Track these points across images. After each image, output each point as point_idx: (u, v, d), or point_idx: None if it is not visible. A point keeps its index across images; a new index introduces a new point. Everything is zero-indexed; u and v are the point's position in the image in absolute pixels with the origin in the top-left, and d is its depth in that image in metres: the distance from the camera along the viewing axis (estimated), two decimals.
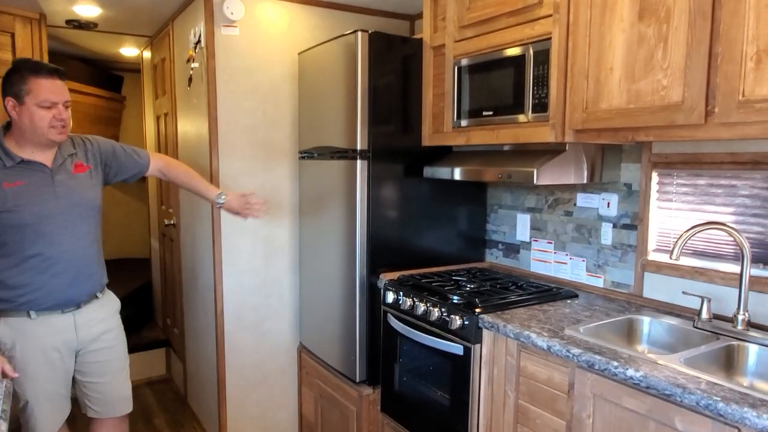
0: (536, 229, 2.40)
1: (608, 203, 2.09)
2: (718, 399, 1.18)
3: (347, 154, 2.31)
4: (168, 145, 3.40)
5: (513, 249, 2.53)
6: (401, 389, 2.19)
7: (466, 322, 1.83)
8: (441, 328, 1.92)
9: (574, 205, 2.23)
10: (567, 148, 1.91)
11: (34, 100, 1.76)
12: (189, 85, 2.75)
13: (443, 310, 1.92)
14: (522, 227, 2.47)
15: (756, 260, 1.67)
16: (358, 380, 2.34)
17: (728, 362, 1.55)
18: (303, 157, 2.70)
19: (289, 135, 2.77)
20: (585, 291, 2.15)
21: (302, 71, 2.67)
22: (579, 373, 1.49)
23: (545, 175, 1.88)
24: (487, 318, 1.78)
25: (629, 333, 1.79)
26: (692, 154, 1.80)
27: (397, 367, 2.19)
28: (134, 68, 4.48)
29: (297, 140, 2.77)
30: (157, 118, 3.71)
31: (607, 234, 2.10)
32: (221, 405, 2.72)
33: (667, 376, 1.30)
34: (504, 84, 1.99)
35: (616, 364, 1.39)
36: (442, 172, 2.29)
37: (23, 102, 1.76)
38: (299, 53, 2.68)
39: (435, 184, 2.47)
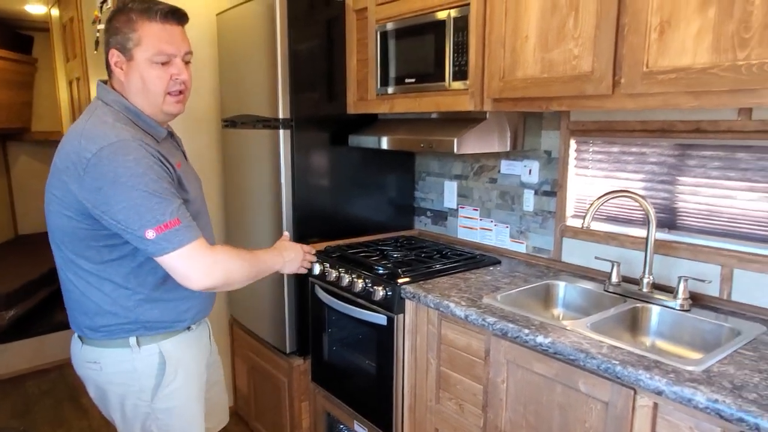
0: (463, 196, 2.42)
1: (530, 170, 2.12)
2: (617, 363, 1.24)
3: (270, 123, 2.23)
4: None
5: (441, 216, 2.54)
6: (330, 359, 2.19)
7: (389, 293, 1.83)
8: (365, 299, 1.92)
9: (499, 172, 2.25)
10: (488, 116, 1.91)
11: (146, 53, 1.32)
12: (96, 49, 2.56)
13: (367, 281, 1.92)
14: (449, 195, 2.48)
15: (662, 225, 1.74)
16: (288, 351, 2.33)
17: (634, 323, 1.62)
18: (226, 126, 2.59)
19: (210, 102, 2.65)
20: (508, 257, 2.20)
21: (221, 34, 2.54)
22: (494, 340, 1.53)
23: (466, 144, 1.88)
24: (409, 288, 1.79)
25: (546, 298, 1.85)
26: (606, 122, 1.84)
27: (326, 338, 2.19)
28: (44, 27, 4.15)
29: (219, 108, 2.66)
30: (70, 83, 3.46)
31: (529, 201, 2.14)
32: None
33: (573, 342, 1.35)
34: (426, 51, 1.95)
35: (527, 331, 1.43)
36: (366, 141, 2.25)
37: (131, 56, 1.33)
38: (217, 14, 2.54)
39: (363, 153, 2.43)
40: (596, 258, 1.85)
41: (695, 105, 1.28)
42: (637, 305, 1.62)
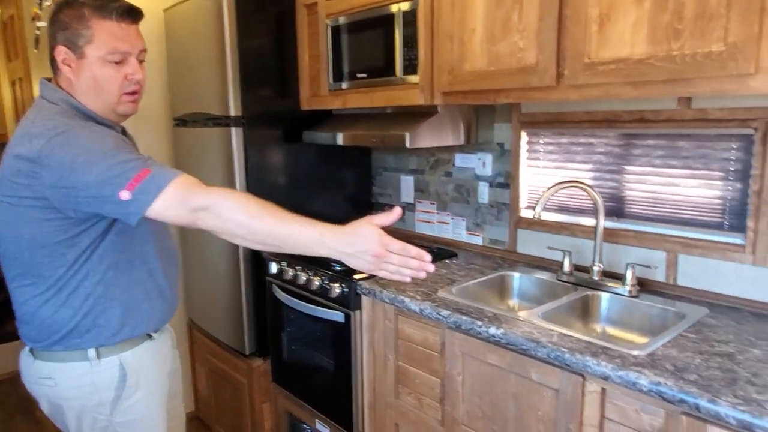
0: (420, 190, 2.42)
1: (484, 163, 2.13)
2: (566, 350, 1.26)
3: (221, 121, 2.19)
4: None
5: None
6: (290, 359, 2.17)
7: (345, 290, 1.82)
8: (322, 296, 1.91)
9: (454, 165, 2.26)
10: (439, 110, 1.91)
11: (99, 51, 1.25)
12: (36, 47, 2.46)
13: (323, 278, 1.90)
14: (406, 189, 2.48)
15: (610, 213, 1.77)
16: (247, 353, 2.29)
17: (585, 311, 1.66)
18: (177, 125, 2.53)
19: (159, 101, 2.58)
20: (465, 249, 2.21)
21: (169, 31, 2.47)
22: (449, 333, 1.54)
23: (419, 139, 1.88)
24: (365, 284, 1.78)
25: (502, 289, 1.87)
26: (555, 114, 1.86)
27: (285, 337, 2.17)
28: None
29: (170, 106, 2.59)
30: (12, 84, 3.32)
31: (484, 193, 2.15)
32: None
33: (524, 332, 1.36)
34: (377, 45, 1.94)
35: (480, 323, 1.44)
36: (320, 137, 2.23)
37: (82, 54, 1.25)
38: (164, 10, 2.47)
39: (319, 149, 2.41)
40: (549, 248, 1.88)
41: (635, 95, 1.31)
42: (588, 293, 1.65)
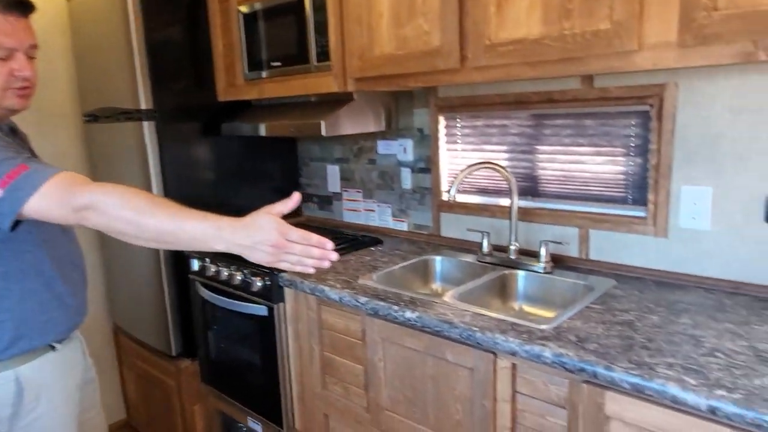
0: (346, 179, 2.41)
1: (405, 149, 2.13)
2: (477, 329, 1.28)
3: (132, 115, 2.09)
4: None
5: (326, 201, 2.52)
6: (218, 357, 2.12)
7: (267, 283, 1.79)
8: (245, 291, 1.87)
9: (377, 153, 2.25)
10: (355, 97, 1.89)
11: None
12: None
13: (245, 272, 1.86)
14: (332, 179, 2.46)
15: (525, 193, 1.81)
16: (174, 354, 2.22)
17: (503, 290, 1.69)
18: (88, 120, 2.40)
19: (67, 96, 2.44)
20: (392, 236, 2.21)
21: (74, 22, 2.34)
22: (368, 320, 1.53)
23: (335, 126, 1.86)
24: (286, 276, 1.75)
25: (425, 273, 1.88)
26: (470, 97, 1.88)
27: (212, 336, 2.11)
28: None
29: (79, 101, 2.46)
30: None
31: (406, 179, 2.16)
32: None
33: (438, 314, 1.37)
34: (289, 32, 1.90)
35: (396, 308, 1.44)
36: (238, 128, 2.17)
37: None
38: (68, 1, 2.34)
39: (243, 141, 2.35)
40: (468, 230, 1.91)
41: (533, 75, 1.33)
42: (505, 272, 1.69)
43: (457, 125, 1.96)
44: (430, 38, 1.50)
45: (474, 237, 1.93)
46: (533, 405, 1.23)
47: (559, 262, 1.73)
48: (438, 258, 1.88)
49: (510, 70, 1.37)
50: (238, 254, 1.02)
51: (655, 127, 1.50)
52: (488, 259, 1.78)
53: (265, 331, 1.84)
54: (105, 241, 2.51)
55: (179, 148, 2.17)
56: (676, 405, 0.99)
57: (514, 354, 1.21)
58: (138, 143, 2.10)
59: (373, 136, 2.24)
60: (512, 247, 1.72)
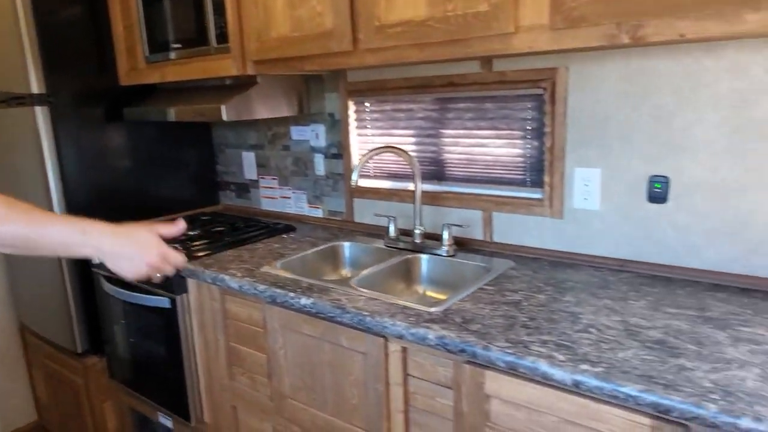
0: (261, 166, 2.35)
1: (317, 134, 2.10)
2: (367, 314, 1.27)
3: (24, 100, 1.97)
4: None
5: (244, 188, 2.46)
6: (127, 353, 2.04)
7: None
8: (147, 283, 1.80)
9: (290, 138, 2.21)
10: (259, 80, 1.84)
11: None
12: None
13: None
14: (248, 165, 2.40)
15: (432, 177, 1.82)
16: (80, 351, 2.13)
17: (408, 274, 1.69)
18: None
19: None
20: (307, 223, 2.19)
21: None
22: (267, 308, 1.50)
23: (238, 111, 1.80)
24: (188, 266, 1.69)
25: (335, 259, 1.86)
26: (377, 81, 1.86)
27: (119, 331, 2.03)
28: None
29: None
30: None
31: (320, 165, 2.13)
32: None
33: (332, 299, 1.36)
34: (187, 13, 1.83)
35: (293, 295, 1.41)
36: (141, 113, 2.08)
37: None
38: None
39: (154, 127, 2.26)
40: (375, 215, 1.90)
41: (421, 57, 1.32)
42: (409, 256, 1.69)
43: (366, 109, 1.95)
44: (323, 20, 1.47)
45: (385, 222, 1.93)
46: (424, 387, 1.24)
47: (464, 245, 1.75)
48: (347, 244, 1.86)
49: (400, 52, 1.35)
50: (102, 261, 1.00)
51: (549, 110, 1.53)
52: (395, 243, 1.78)
53: (169, 323, 1.78)
54: None
55: (80, 135, 2.06)
56: (547, 381, 1.02)
57: (401, 337, 1.21)
58: (31, 130, 1.97)
59: (286, 122, 2.20)
60: (417, 231, 1.73)
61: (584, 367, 0.98)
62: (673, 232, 1.41)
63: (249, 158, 2.38)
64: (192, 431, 1.87)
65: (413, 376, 1.26)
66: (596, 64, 1.44)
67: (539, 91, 1.55)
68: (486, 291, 1.38)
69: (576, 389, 0.98)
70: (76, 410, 2.26)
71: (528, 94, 1.58)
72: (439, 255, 1.67)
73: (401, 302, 1.31)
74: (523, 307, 1.26)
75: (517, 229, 1.67)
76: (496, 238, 1.72)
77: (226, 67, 1.72)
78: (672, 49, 1.32)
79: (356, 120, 1.98)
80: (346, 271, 1.86)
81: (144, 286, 1.81)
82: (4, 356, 2.50)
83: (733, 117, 1.28)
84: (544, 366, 1.01)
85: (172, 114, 1.95)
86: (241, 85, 1.87)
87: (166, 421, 1.97)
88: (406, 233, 1.80)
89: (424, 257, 1.68)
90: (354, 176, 1.63)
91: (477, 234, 1.75)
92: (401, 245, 1.76)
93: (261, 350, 1.59)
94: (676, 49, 1.32)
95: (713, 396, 0.87)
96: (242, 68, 1.70)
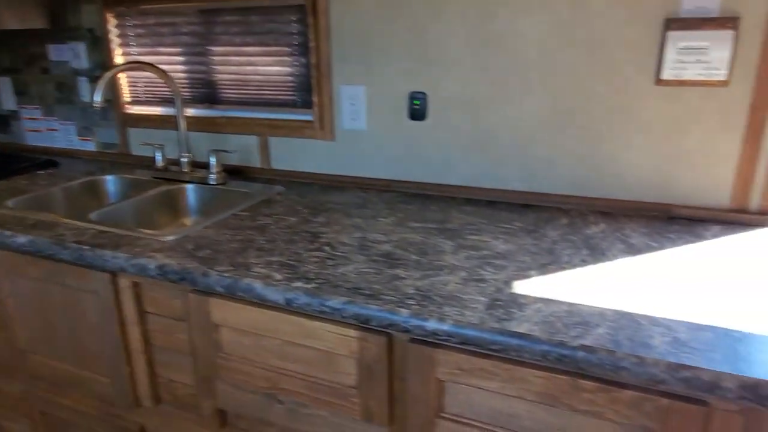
0: (22, 94, 2.01)
1: (77, 54, 1.82)
2: (87, 248, 1.11)
3: None
4: None
5: (3, 121, 2.10)
6: None
7: None
8: None
9: (49, 59, 1.89)
10: None
11: None
12: None
13: None
14: (5, 93, 2.04)
15: (204, 101, 1.65)
16: None
17: (173, 205, 1.54)
18: None
19: None
20: (78, 158, 1.92)
21: None
22: None
23: None
24: None
25: (97, 194, 1.65)
26: None
27: None
28: None
29: None
30: None
31: (85, 90, 1.86)
32: None
33: (55, 236, 1.18)
34: None
35: (8, 233, 1.21)
36: None
37: None
38: None
39: None
40: (142, 144, 1.71)
41: None
42: (171, 187, 1.53)
43: (129, 24, 1.70)
44: None
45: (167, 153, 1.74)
46: (162, 323, 1.13)
47: (242, 173, 1.63)
48: (109, 177, 1.66)
49: None
50: None
51: (312, 23, 1.42)
52: (162, 174, 1.61)
53: None
54: None
55: None
56: (263, 302, 0.95)
57: (124, 270, 1.08)
58: None
59: (41, 40, 1.87)
60: (183, 160, 1.57)
61: (298, 284, 0.93)
62: (433, 149, 1.40)
63: (4, 84, 2.02)
64: None
65: (150, 313, 1.14)
66: None
67: (301, 2, 1.43)
68: (239, 217, 1.28)
69: (289, 307, 0.93)
70: None
71: (291, 5, 1.45)
72: (207, 184, 1.54)
73: (132, 234, 1.17)
74: (269, 231, 1.18)
75: (293, 154, 1.58)
76: (274, 165, 1.62)
77: None
78: None
79: (119, 37, 1.73)
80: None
81: None
82: None
83: (479, 30, 1.27)
84: (258, 287, 0.94)
85: None
86: None
87: None
88: (176, 163, 1.64)
89: (189, 187, 1.54)
90: (96, 97, 1.41)
91: (255, 161, 1.64)
92: (169, 176, 1.60)
93: None
94: None
95: (410, 302, 0.86)
96: None
